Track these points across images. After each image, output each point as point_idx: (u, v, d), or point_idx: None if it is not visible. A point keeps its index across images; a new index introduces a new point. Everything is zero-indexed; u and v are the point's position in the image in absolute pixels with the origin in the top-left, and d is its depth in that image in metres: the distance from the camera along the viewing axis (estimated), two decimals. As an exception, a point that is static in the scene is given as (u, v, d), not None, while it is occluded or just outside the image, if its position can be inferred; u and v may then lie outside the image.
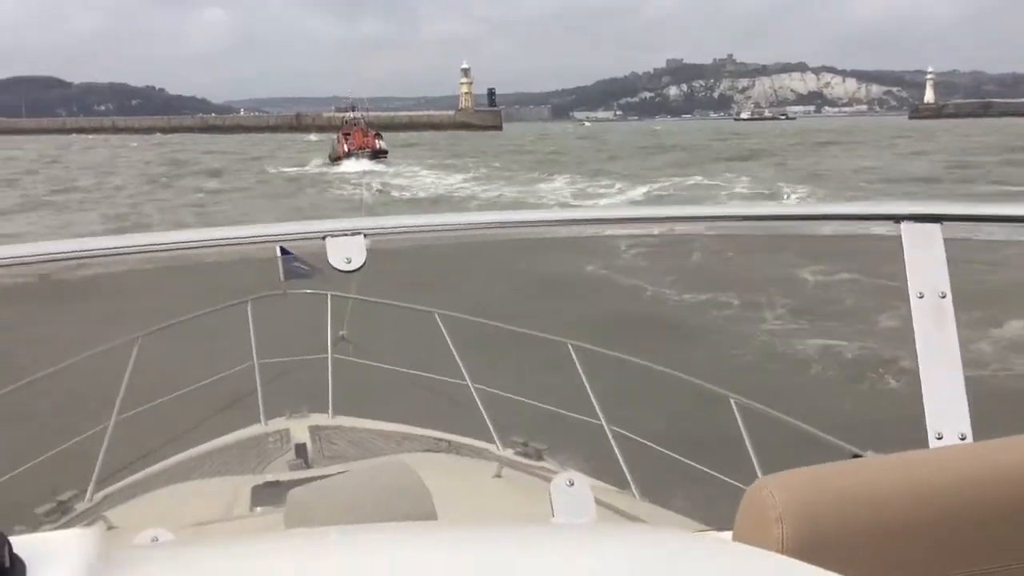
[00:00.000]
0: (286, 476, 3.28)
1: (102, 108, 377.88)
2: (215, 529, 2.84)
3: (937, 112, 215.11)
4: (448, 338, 3.66)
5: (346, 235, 1.67)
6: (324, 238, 1.67)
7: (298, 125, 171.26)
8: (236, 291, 4.33)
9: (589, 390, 3.31)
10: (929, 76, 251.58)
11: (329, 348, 4.09)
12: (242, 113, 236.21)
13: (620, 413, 3.48)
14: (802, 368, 9.13)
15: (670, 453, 3.63)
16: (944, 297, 1.66)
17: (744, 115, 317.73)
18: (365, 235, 1.68)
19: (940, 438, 1.56)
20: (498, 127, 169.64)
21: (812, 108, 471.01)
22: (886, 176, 38.79)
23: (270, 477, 3.34)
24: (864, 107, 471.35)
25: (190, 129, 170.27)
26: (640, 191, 36.25)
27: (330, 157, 63.78)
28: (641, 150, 70.79)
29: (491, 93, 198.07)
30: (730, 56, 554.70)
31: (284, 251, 2.85)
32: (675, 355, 7.52)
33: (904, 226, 1.73)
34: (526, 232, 2.10)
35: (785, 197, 30.90)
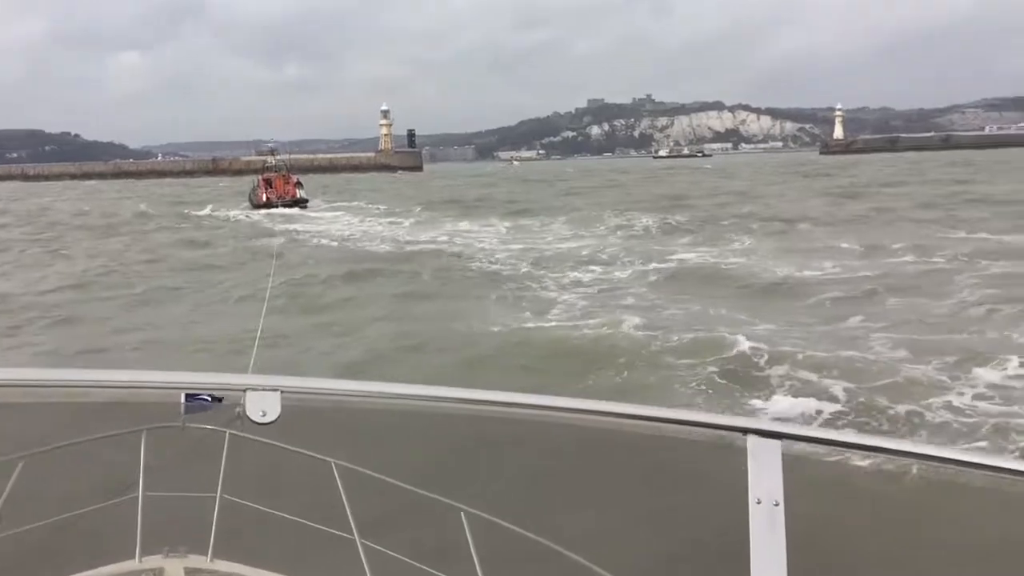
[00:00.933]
0: None
1: (15, 155, 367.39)
2: None
3: (846, 147, 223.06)
4: (342, 490, 3.56)
5: (265, 391, 1.75)
6: (245, 391, 1.74)
7: (215, 169, 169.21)
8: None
9: (475, 558, 3.25)
10: (838, 113, 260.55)
11: (219, 488, 3.94)
12: (159, 158, 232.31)
13: None
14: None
15: None
16: (778, 506, 1.82)
17: (662, 153, 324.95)
18: (283, 392, 1.75)
19: None
20: (418, 168, 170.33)
21: (729, 145, 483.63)
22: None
23: None
24: (779, 143, 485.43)
25: (102, 175, 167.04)
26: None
27: (250, 202, 63.27)
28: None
29: (411, 134, 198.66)
30: (649, 96, 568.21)
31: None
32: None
33: (750, 439, 1.91)
34: (454, 409, 2.19)
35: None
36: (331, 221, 49.31)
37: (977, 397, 11.53)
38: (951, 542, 9.19)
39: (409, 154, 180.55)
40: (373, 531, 3.66)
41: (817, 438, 2.06)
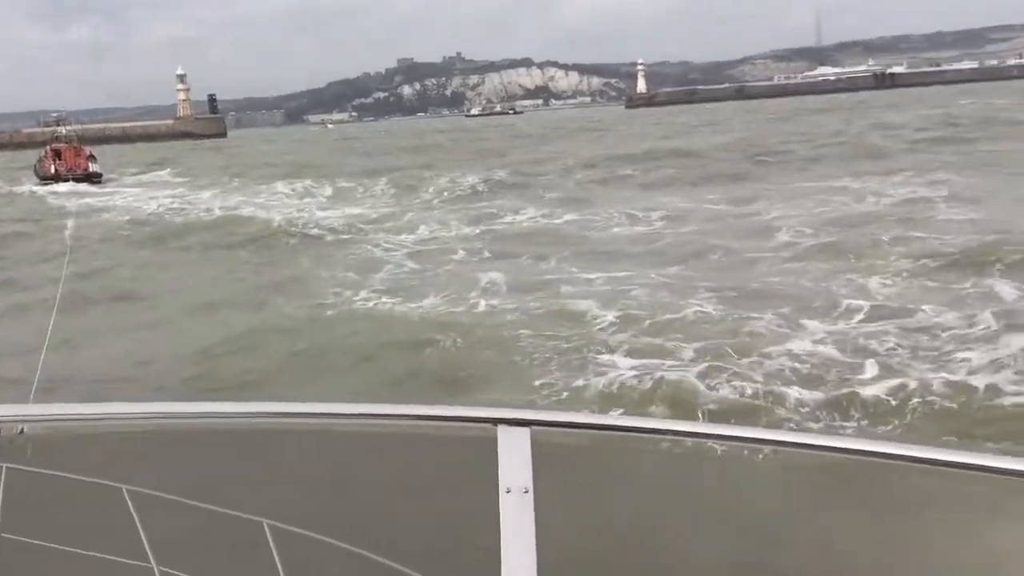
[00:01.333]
0: None
1: None
2: None
3: (649, 101, 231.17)
4: (136, 516, 3.36)
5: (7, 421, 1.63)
6: None
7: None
8: None
9: (280, 570, 3.15)
10: (640, 68, 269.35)
11: None
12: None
13: None
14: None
15: None
16: (527, 492, 1.84)
17: (475, 111, 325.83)
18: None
19: None
20: (222, 134, 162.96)
21: (540, 102, 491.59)
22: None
23: None
24: (588, 99, 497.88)
25: None
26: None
27: (37, 174, 58.43)
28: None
29: (211, 99, 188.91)
30: (459, 54, 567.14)
31: None
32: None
33: (500, 429, 1.96)
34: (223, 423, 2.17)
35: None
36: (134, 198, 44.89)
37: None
38: (703, 514, 10.17)
39: (211, 120, 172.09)
40: (172, 557, 3.51)
41: (566, 422, 2.09)
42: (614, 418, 2.57)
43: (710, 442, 2.08)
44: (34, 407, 1.79)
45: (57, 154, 59.28)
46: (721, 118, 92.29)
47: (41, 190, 51.23)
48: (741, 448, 2.09)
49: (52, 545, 4.02)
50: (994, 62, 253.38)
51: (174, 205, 38.41)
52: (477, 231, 24.59)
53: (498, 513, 1.82)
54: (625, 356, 11.44)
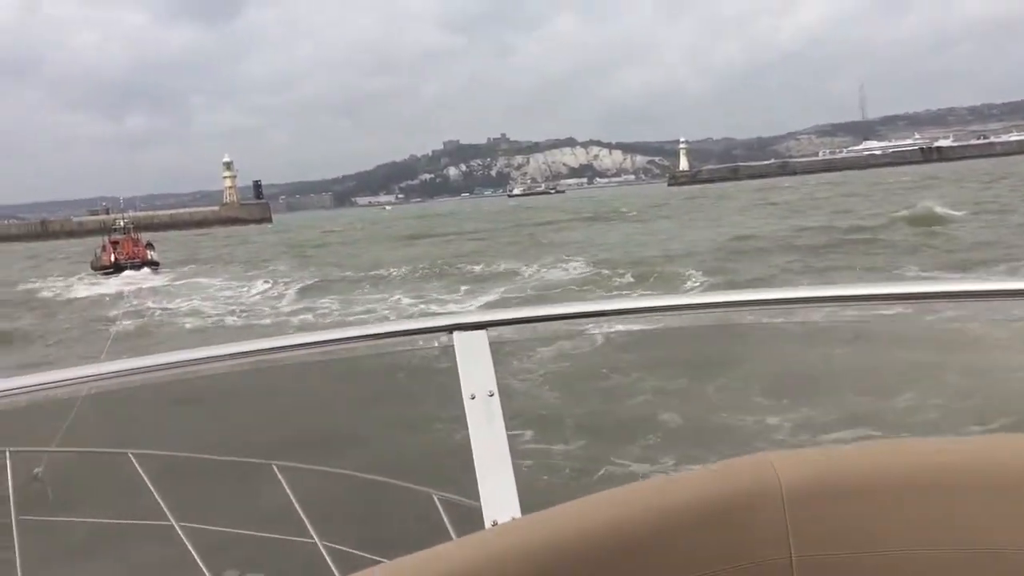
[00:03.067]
0: None
1: None
2: None
3: (692, 178, 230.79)
4: (146, 478, 3.46)
5: None
6: None
7: (44, 232, 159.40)
8: None
9: (299, 508, 3.26)
10: (682, 145, 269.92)
11: (12, 511, 3.60)
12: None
13: (331, 528, 3.39)
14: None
15: (384, 560, 2.51)
16: (492, 395, 1.83)
17: (517, 191, 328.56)
18: None
19: (496, 524, 1.66)
20: (267, 219, 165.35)
21: (585, 180, 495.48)
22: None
23: None
24: (632, 176, 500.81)
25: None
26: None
27: (92, 266, 57.60)
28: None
29: (257, 185, 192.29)
30: (504, 135, 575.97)
31: None
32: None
33: (456, 335, 1.94)
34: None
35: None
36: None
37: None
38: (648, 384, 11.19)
39: (256, 206, 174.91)
40: (189, 511, 3.54)
41: (521, 318, 2.11)
42: (566, 307, 2.21)
43: (655, 314, 2.16)
44: (14, 380, 1.68)
45: (115, 244, 59.59)
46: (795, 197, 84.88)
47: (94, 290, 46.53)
48: (682, 315, 2.13)
49: (73, 519, 4.33)
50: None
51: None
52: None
53: (464, 418, 1.81)
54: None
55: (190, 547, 3.55)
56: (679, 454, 8.98)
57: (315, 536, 3.35)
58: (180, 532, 3.53)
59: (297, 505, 3.33)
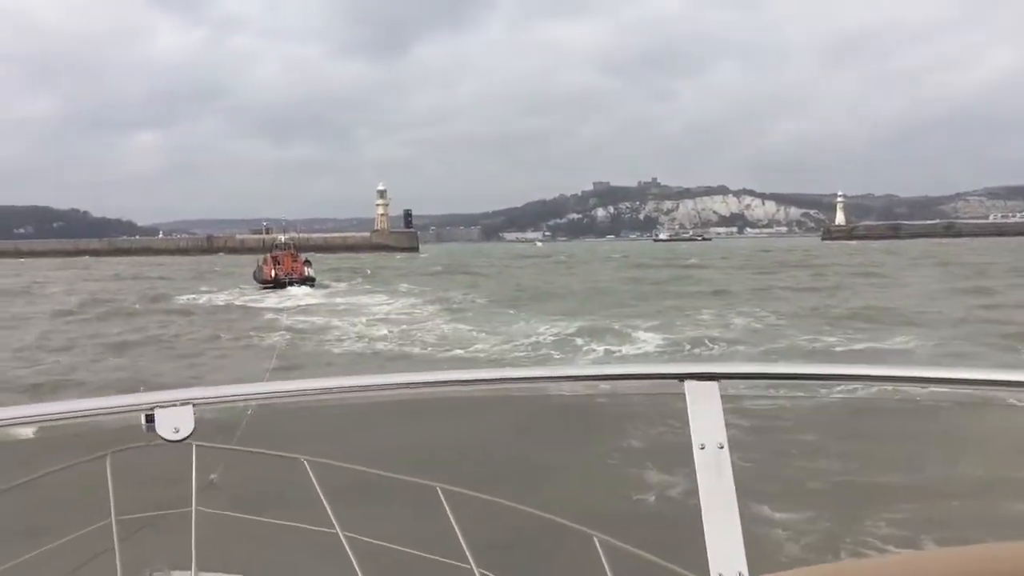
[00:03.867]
0: None
1: (21, 231, 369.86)
2: None
3: (848, 234, 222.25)
4: (316, 485, 3.47)
5: (175, 406, 1.66)
6: (153, 409, 1.64)
7: (209, 247, 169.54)
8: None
9: (459, 533, 3.23)
10: (839, 199, 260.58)
11: (193, 501, 3.80)
12: (160, 235, 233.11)
13: (490, 556, 3.38)
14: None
15: None
16: (722, 448, 1.81)
17: (662, 236, 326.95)
18: (194, 405, 1.66)
19: None
20: (414, 248, 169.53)
21: (735, 229, 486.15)
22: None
23: None
24: (784, 228, 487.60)
25: (96, 252, 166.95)
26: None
27: (256, 279, 62.33)
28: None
29: (407, 215, 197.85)
30: (654, 179, 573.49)
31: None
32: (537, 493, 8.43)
33: (687, 384, 1.90)
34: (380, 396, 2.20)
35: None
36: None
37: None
38: (895, 456, 10.26)
39: (405, 234, 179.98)
40: (354, 522, 3.59)
41: (754, 373, 2.07)
42: (803, 365, 2.11)
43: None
44: (164, 393, 1.72)
45: (276, 260, 63.33)
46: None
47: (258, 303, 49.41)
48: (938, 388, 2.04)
49: (241, 516, 4.42)
50: None
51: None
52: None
53: (693, 468, 1.78)
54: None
55: (352, 557, 3.63)
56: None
57: (472, 562, 3.36)
58: (344, 541, 3.60)
59: (457, 529, 3.35)
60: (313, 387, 2.15)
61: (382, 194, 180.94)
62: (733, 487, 1.79)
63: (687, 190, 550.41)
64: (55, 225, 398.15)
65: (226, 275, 76.98)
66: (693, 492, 1.86)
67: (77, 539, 4.19)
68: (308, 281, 60.61)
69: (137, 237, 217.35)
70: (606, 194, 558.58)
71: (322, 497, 3.57)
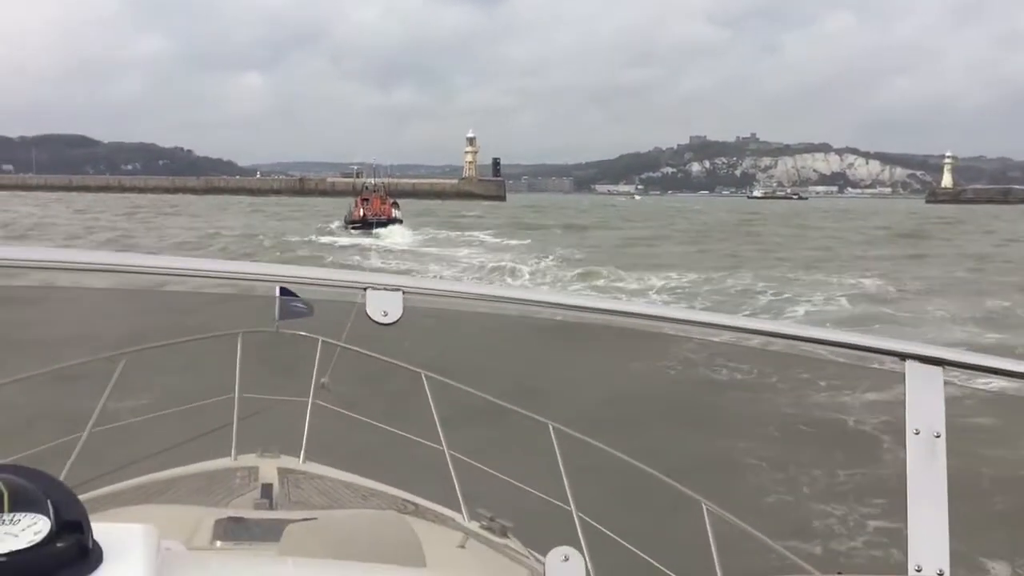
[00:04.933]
0: (250, 514, 3.28)
1: (129, 167, 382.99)
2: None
3: (955, 197, 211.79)
4: (431, 400, 3.71)
5: (387, 290, 1.74)
6: (365, 289, 1.74)
7: (301, 189, 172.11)
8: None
9: (564, 474, 3.31)
10: (947, 160, 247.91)
11: (311, 392, 4.19)
12: (258, 176, 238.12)
13: (591, 502, 3.42)
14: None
15: (638, 552, 3.67)
16: (939, 437, 1.74)
17: (757, 193, 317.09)
18: (404, 292, 1.75)
19: (920, 571, 1.63)
20: (501, 197, 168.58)
21: (835, 188, 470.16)
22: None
23: (233, 513, 3.28)
24: (888, 189, 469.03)
25: (194, 190, 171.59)
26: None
27: (346, 220, 64.94)
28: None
29: (496, 163, 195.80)
30: (753, 135, 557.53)
31: (284, 291, 3.74)
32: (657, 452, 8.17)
33: (909, 364, 1.82)
34: (565, 315, 2.15)
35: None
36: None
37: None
38: None
39: (492, 183, 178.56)
40: (461, 443, 3.80)
41: (984, 366, 1.94)
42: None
43: None
44: (377, 276, 1.78)
45: (365, 201, 66.21)
46: None
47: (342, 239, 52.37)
48: None
49: (355, 416, 4.57)
50: None
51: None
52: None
53: (904, 454, 1.74)
54: None
55: (453, 475, 3.68)
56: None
57: (572, 504, 3.31)
58: (448, 458, 3.67)
59: (563, 470, 3.34)
60: (515, 296, 2.09)
61: (471, 141, 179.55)
62: (945, 479, 1.69)
63: (787, 147, 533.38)
64: (160, 163, 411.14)
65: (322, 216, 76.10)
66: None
67: (200, 408, 4.55)
68: (395, 222, 62.40)
69: (238, 177, 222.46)
70: (702, 148, 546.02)
71: (434, 412, 3.72)
